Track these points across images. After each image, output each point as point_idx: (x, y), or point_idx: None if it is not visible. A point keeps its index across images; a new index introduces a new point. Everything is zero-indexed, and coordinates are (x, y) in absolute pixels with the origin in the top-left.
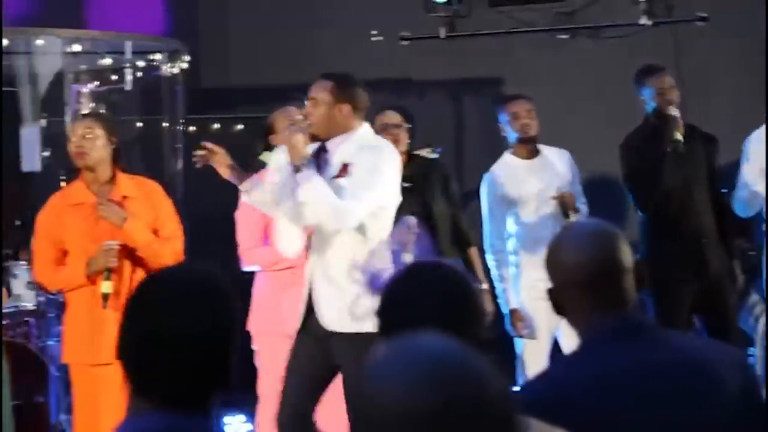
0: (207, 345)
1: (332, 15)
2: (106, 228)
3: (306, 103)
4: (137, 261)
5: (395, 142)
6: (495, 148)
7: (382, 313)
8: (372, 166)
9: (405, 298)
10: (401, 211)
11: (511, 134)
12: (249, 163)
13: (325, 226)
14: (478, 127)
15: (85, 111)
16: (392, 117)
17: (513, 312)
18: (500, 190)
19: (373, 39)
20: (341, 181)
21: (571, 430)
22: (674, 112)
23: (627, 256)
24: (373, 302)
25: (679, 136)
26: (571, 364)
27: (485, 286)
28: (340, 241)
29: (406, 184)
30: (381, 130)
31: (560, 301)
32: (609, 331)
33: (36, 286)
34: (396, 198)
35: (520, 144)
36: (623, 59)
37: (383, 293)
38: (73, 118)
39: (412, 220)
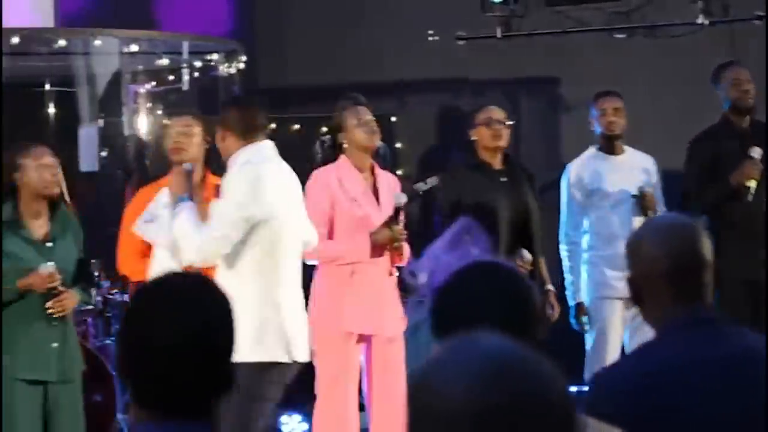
0: (204, 352)
1: (389, 14)
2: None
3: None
4: None
5: (496, 137)
6: (551, 147)
7: (438, 312)
8: (223, 190)
9: (461, 297)
10: (498, 208)
11: (597, 129)
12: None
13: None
14: (533, 126)
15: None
16: (497, 112)
17: (578, 306)
18: (580, 181)
19: (429, 39)
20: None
21: (638, 420)
22: (755, 153)
23: (708, 250)
24: (427, 302)
25: (752, 184)
26: (644, 355)
27: (550, 286)
28: None
29: (503, 179)
30: (483, 124)
31: (638, 291)
32: (684, 323)
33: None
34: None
35: (604, 140)
36: (679, 59)
37: (439, 292)
38: (169, 115)
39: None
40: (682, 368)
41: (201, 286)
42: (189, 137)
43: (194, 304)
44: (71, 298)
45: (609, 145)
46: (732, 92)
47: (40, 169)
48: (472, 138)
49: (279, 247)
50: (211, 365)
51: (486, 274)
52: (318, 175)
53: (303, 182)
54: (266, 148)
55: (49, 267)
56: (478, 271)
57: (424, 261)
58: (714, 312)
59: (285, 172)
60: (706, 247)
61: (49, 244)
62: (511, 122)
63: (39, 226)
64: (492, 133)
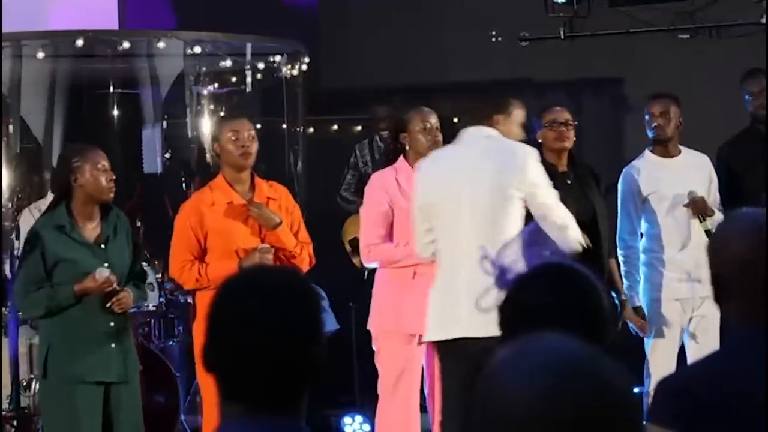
0: (292, 346)
1: (452, 15)
2: (254, 229)
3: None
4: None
5: (560, 139)
6: (615, 148)
7: (507, 309)
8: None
9: (532, 296)
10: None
11: (649, 133)
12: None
13: None
14: (597, 127)
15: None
16: (561, 113)
17: (636, 309)
18: (635, 185)
19: (493, 40)
20: None
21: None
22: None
23: None
24: (499, 296)
25: (704, 227)
26: (728, 354)
27: (625, 297)
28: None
29: (569, 181)
30: (548, 125)
31: (724, 290)
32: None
33: (169, 284)
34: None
35: (655, 143)
36: (744, 59)
37: (510, 289)
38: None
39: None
40: (756, 378)
41: (289, 280)
42: (253, 140)
43: (279, 299)
44: (128, 297)
45: (661, 148)
46: (751, 103)
47: (96, 173)
48: (538, 140)
49: None
50: (299, 359)
51: (558, 274)
52: (377, 177)
53: None
54: None
55: (104, 271)
56: (550, 271)
57: (501, 256)
58: None
59: None
60: None
61: (103, 246)
62: (575, 122)
63: (92, 229)
64: (556, 134)
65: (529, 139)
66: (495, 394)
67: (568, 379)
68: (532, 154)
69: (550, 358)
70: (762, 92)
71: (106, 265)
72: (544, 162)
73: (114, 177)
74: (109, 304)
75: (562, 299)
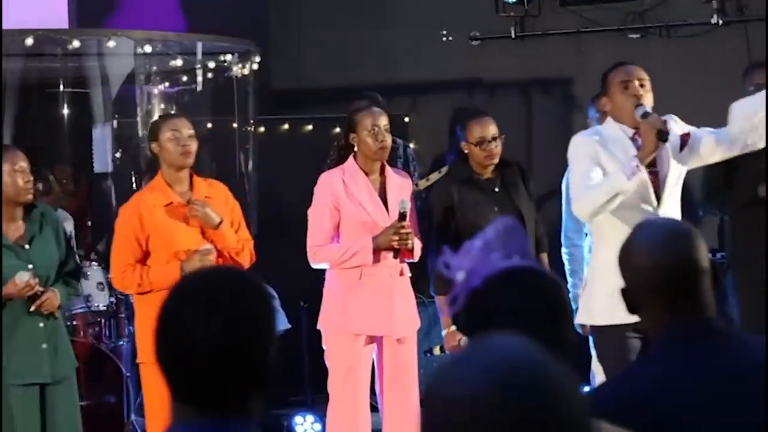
0: (234, 346)
1: (403, 15)
2: (196, 229)
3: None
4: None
5: (490, 157)
6: (564, 147)
7: (471, 314)
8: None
9: (496, 302)
10: (492, 211)
11: None
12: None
13: None
14: (547, 126)
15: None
16: (489, 128)
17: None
18: None
19: (444, 39)
20: None
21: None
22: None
23: (704, 256)
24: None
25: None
26: (641, 367)
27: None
28: None
29: (496, 189)
30: (476, 143)
31: (633, 302)
32: (681, 335)
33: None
34: None
35: None
36: (694, 59)
37: (474, 294)
38: (161, 116)
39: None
40: (674, 386)
41: (237, 280)
42: (193, 139)
43: (229, 298)
44: (54, 298)
45: None
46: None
47: (13, 175)
48: (465, 150)
49: None
50: (244, 359)
51: (527, 278)
52: (324, 177)
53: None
54: None
55: (24, 275)
56: (515, 275)
57: (462, 257)
58: (713, 320)
59: None
60: (703, 253)
61: (27, 246)
62: (501, 135)
63: (14, 229)
64: (486, 154)
65: (453, 149)
66: (437, 395)
67: (507, 381)
68: None
69: (493, 361)
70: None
71: (30, 267)
72: (471, 172)
73: (31, 178)
74: (33, 308)
75: (533, 303)
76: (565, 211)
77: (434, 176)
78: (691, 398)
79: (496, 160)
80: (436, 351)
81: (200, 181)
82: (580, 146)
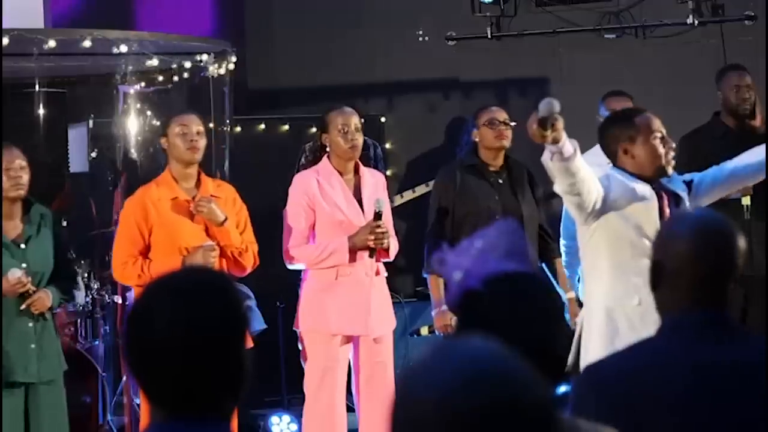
0: (206, 346)
1: (379, 15)
2: (200, 226)
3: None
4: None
5: (499, 138)
6: (541, 147)
7: (465, 317)
8: None
9: (490, 308)
10: (494, 210)
11: None
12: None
13: None
14: (524, 127)
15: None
16: (499, 113)
17: (570, 301)
18: None
19: (419, 39)
20: None
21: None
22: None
23: (742, 258)
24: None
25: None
26: (647, 341)
27: (571, 295)
28: None
29: (500, 180)
30: (486, 124)
31: (659, 280)
32: (695, 321)
33: (95, 284)
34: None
35: None
36: (670, 59)
37: (470, 297)
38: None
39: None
40: (674, 365)
41: (203, 280)
42: (202, 136)
43: (199, 301)
44: (45, 299)
45: None
46: (731, 98)
47: (5, 172)
48: (474, 139)
49: None
50: (216, 360)
51: (519, 286)
52: (298, 178)
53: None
54: None
55: (16, 272)
56: (511, 280)
57: (460, 256)
58: (730, 319)
59: None
60: (741, 254)
61: (22, 246)
62: (512, 123)
63: (12, 227)
64: (496, 133)
65: (464, 140)
66: (405, 399)
67: (471, 385)
68: None
69: (462, 362)
70: (746, 87)
71: (24, 265)
72: (479, 160)
73: (21, 175)
74: (23, 306)
75: (528, 308)
76: (565, 212)
77: (408, 194)
78: (691, 380)
79: (506, 143)
80: (424, 331)
81: (208, 181)
82: None
